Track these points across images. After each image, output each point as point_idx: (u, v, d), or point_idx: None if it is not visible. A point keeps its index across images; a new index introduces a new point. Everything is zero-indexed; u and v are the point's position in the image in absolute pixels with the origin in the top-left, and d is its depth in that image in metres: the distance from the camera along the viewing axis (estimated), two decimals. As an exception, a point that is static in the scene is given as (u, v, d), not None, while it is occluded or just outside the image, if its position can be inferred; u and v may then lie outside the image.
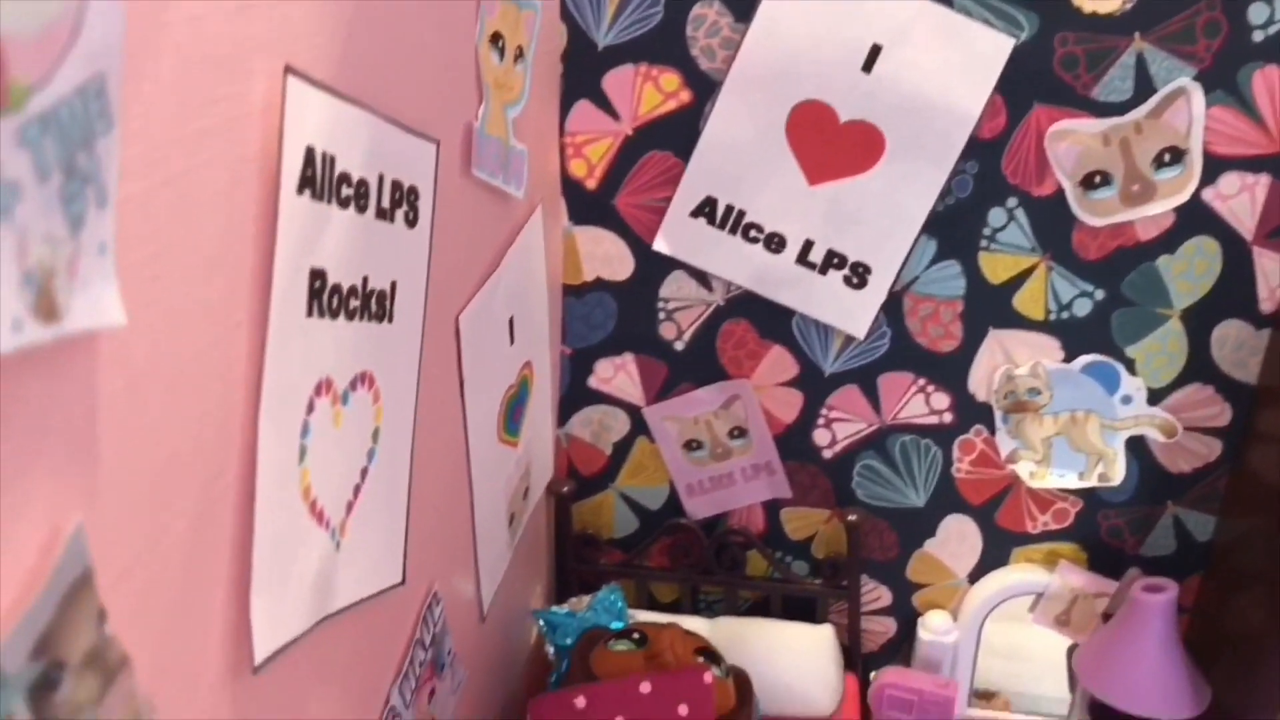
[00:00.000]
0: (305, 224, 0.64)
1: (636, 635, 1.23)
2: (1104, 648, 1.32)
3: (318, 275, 0.67)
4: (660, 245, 1.33)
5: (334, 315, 0.70)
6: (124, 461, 0.50)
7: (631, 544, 1.51)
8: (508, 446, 1.16)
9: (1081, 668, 1.34)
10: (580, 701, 1.10)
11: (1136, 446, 1.36)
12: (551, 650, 1.36)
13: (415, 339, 0.85)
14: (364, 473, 0.78)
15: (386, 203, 0.76)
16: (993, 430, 1.37)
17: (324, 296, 0.68)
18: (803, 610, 1.50)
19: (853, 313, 1.33)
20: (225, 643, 0.61)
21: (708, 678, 1.13)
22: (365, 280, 0.74)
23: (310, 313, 0.66)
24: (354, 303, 0.73)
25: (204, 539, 0.58)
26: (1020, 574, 1.43)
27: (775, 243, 1.30)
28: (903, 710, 1.40)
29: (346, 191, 0.69)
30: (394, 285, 0.79)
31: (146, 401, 0.51)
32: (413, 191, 0.80)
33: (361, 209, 0.72)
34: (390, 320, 0.79)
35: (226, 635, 0.61)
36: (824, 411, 1.40)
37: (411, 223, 0.81)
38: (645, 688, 1.12)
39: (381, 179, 0.74)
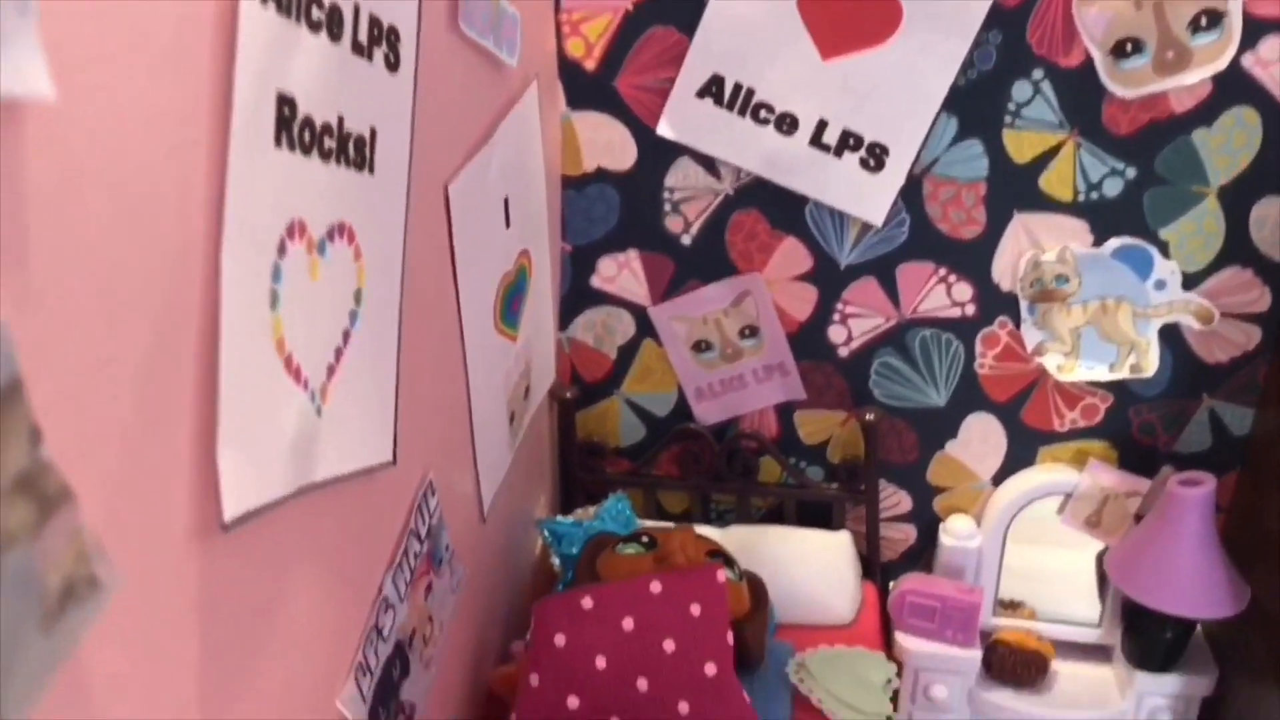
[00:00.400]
0: (270, 40, 0.59)
1: (645, 539, 1.18)
2: (1138, 547, 1.27)
3: (286, 101, 0.61)
4: (664, 129, 1.27)
5: (306, 151, 0.64)
6: (61, 265, 0.45)
7: (639, 452, 1.47)
8: (506, 339, 1.11)
9: (1114, 570, 1.30)
10: (587, 602, 1.06)
11: (1170, 336, 1.30)
12: (557, 561, 1.32)
13: (399, 198, 0.79)
14: (346, 336, 0.73)
15: (364, 37, 0.70)
16: (1018, 322, 1.32)
17: (294, 128, 0.62)
18: (819, 517, 1.45)
19: (870, 198, 1.27)
20: (192, 494, 0.56)
21: (721, 576, 1.09)
22: (341, 120, 0.68)
23: (279, 143, 0.61)
24: (329, 142, 0.67)
25: (163, 376, 0.53)
26: (1047, 474, 1.38)
27: (787, 124, 1.24)
28: (925, 618, 1.36)
29: (317, 14, 0.63)
30: (374, 132, 0.73)
31: (86, 202, 0.46)
32: (393, 32, 0.75)
33: (335, 37, 0.66)
34: (371, 171, 0.74)
35: (193, 486, 0.56)
36: (839, 307, 1.35)
37: (392, 66, 0.75)
38: (655, 587, 1.07)
39: (357, 10, 0.68)
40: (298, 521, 0.70)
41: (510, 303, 1.10)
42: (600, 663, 1.04)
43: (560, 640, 1.06)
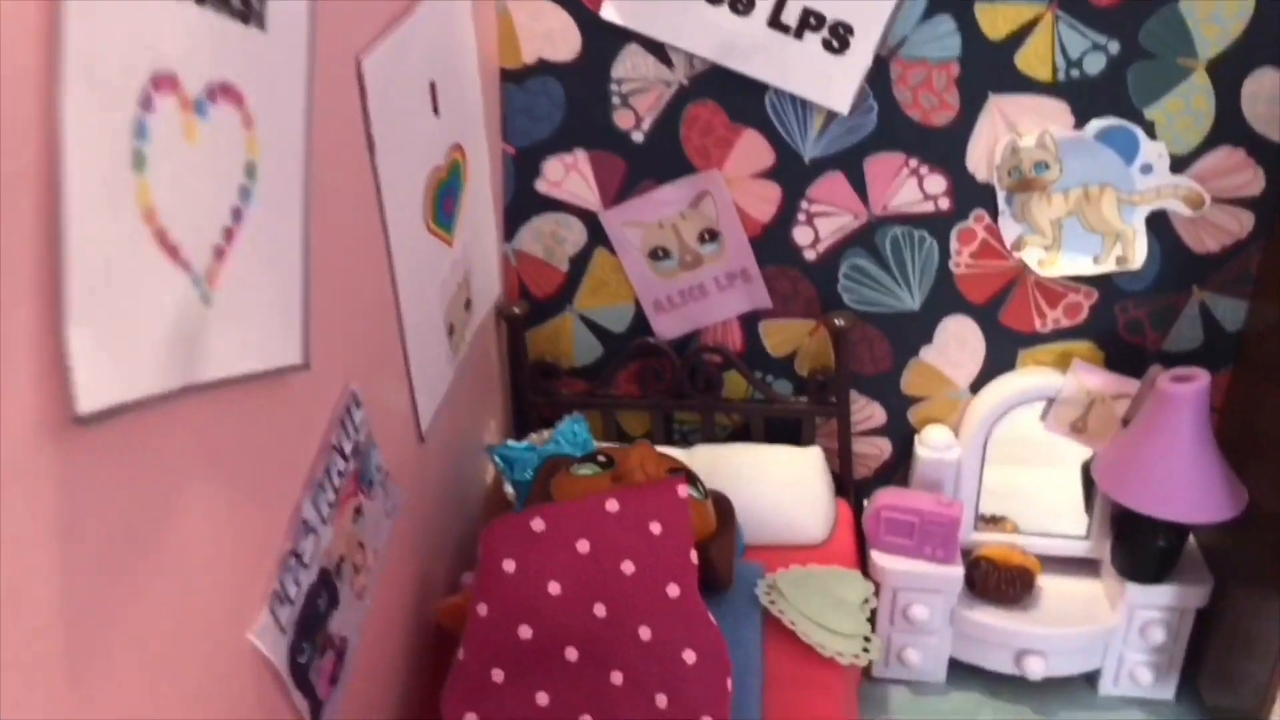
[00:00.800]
0: None
1: (602, 458, 1.11)
2: (1127, 451, 1.21)
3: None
4: (609, 13, 1.17)
5: (171, -12, 0.55)
6: None
7: (595, 372, 1.39)
8: (439, 240, 1.02)
9: (1102, 476, 1.24)
10: (538, 524, 0.99)
11: (1158, 225, 1.23)
12: (510, 488, 1.25)
13: (298, 64, 0.70)
14: (238, 215, 0.64)
15: None
16: (995, 215, 1.24)
17: (151, -45, 0.54)
18: (788, 434, 1.39)
19: (834, 83, 1.19)
20: (34, 377, 0.47)
21: (682, 492, 1.02)
22: (216, -43, 0.59)
23: (131, -30, 0.52)
24: (201, -19, 0.58)
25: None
26: (1029, 378, 1.31)
27: (743, 2, 1.15)
28: (903, 534, 1.29)
29: None
30: (260, -21, 0.64)
31: None
32: None
33: None
34: (260, 26, 0.65)
35: (36, 368, 0.48)
36: (805, 205, 1.27)
37: (281, -95, 0.66)
38: (611, 506, 1.00)
39: None
40: (188, 426, 0.61)
41: (442, 201, 1.02)
42: (554, 588, 0.97)
43: (509, 566, 0.98)
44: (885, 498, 1.30)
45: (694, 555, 1.00)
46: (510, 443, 1.27)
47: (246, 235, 0.65)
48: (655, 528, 1.00)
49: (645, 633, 0.96)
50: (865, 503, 1.36)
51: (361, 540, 0.88)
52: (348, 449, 0.84)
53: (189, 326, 0.59)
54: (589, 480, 1.08)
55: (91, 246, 0.50)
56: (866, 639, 1.11)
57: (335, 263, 0.80)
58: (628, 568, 0.98)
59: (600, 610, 0.97)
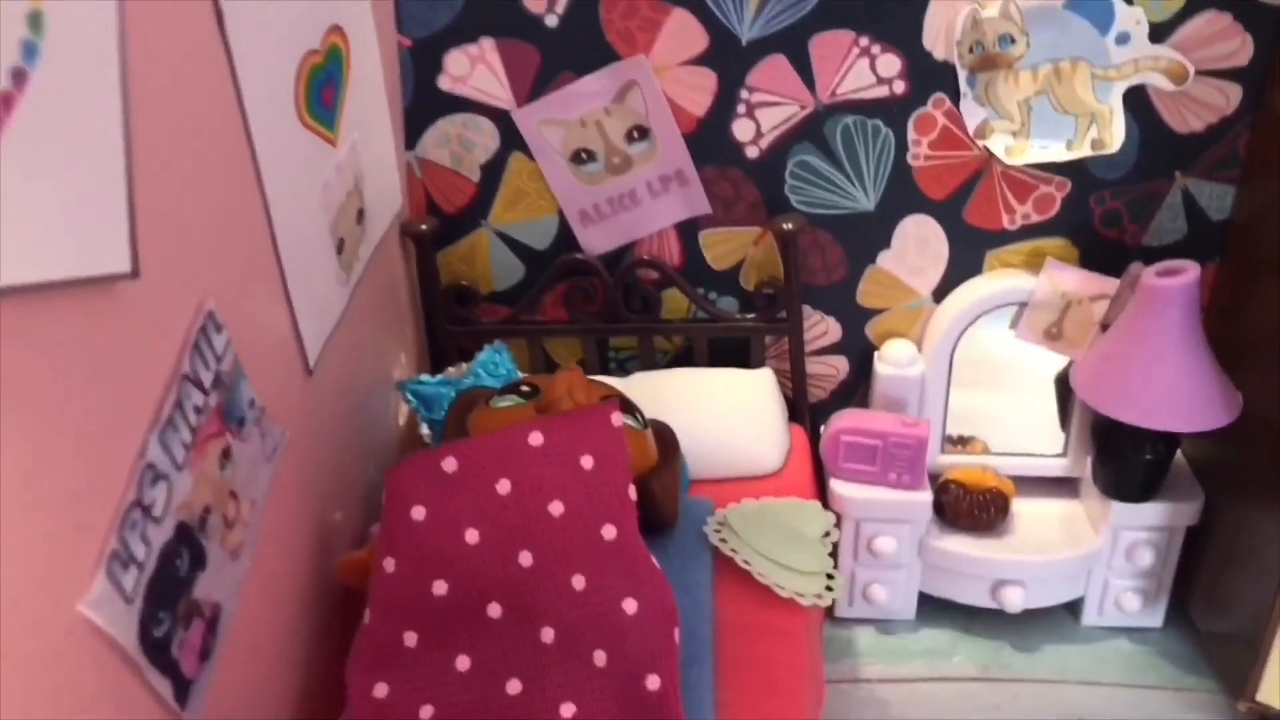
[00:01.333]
0: None
1: (526, 387, 0.99)
2: (1109, 356, 1.12)
3: None
4: (509, -126, 1.05)
5: None
6: None
7: (517, 295, 1.27)
8: (319, 137, 0.90)
9: (1082, 385, 1.14)
10: (450, 464, 0.87)
11: (1136, 103, 1.13)
12: (426, 429, 1.14)
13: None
14: (19, 77, 0.51)
15: None
16: (957, 98, 1.13)
17: None
18: (735, 356, 1.28)
19: (770, -49, 1.07)
20: None
21: (616, 420, 0.91)
22: None
23: None
24: None
25: None
26: (997, 282, 1.21)
27: None
28: (864, 460, 1.19)
29: None
30: None
31: None
32: None
33: None
34: None
35: None
36: (744, 95, 1.15)
37: None
38: (535, 439, 0.88)
39: None
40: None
41: (319, 91, 0.89)
42: (471, 536, 0.86)
43: (419, 513, 0.87)
44: (844, 420, 1.20)
45: (632, 492, 0.89)
46: (424, 378, 1.16)
47: (33, 104, 0.53)
48: (587, 462, 0.89)
49: (579, 582, 0.84)
50: (822, 428, 1.26)
51: (233, 489, 0.75)
52: (206, 380, 0.71)
53: (-50, 214, 0.47)
54: (509, 412, 0.96)
55: None
56: (829, 576, 1.01)
57: (175, 153, 0.67)
58: (556, 509, 0.87)
59: (526, 559, 0.85)
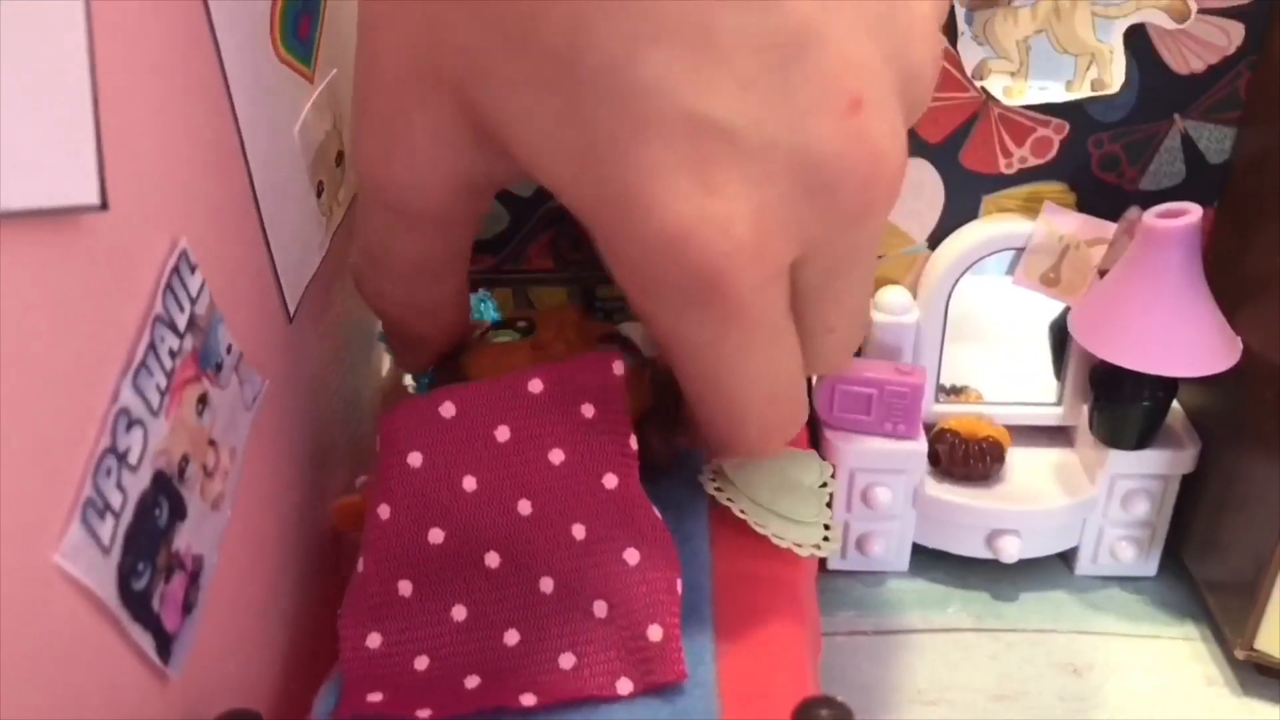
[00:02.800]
0: None
1: (522, 323, 0.96)
2: (1108, 300, 1.10)
3: None
4: None
5: None
6: None
7: (501, 244, 1.23)
8: (293, 71, 0.86)
9: (1081, 330, 1.12)
10: (448, 409, 0.83)
11: (1136, 44, 1.10)
12: (410, 380, 1.10)
13: None
14: (-26, -13, 0.48)
15: None
16: (954, 38, 1.10)
17: None
18: (726, 305, 1.25)
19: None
20: None
21: (618, 368, 0.87)
22: None
23: None
24: None
25: None
26: (993, 227, 1.18)
27: None
28: (859, 409, 1.17)
29: None
30: None
31: None
32: None
33: None
34: None
35: None
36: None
37: None
38: (535, 386, 0.85)
39: None
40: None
41: (295, 22, 0.85)
42: (469, 484, 0.83)
43: (415, 459, 0.83)
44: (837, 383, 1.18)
45: (634, 442, 0.86)
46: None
47: (-9, 18, 0.49)
48: (588, 410, 0.85)
49: (579, 531, 0.82)
50: (814, 377, 1.24)
51: (212, 437, 0.72)
52: (181, 322, 0.68)
53: (-101, 132, 0.43)
54: (506, 350, 0.93)
55: None
56: (827, 526, 0.99)
57: (145, 77, 0.63)
58: (556, 457, 0.83)
59: (525, 507, 0.82)
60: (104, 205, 0.57)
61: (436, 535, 0.81)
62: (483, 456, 0.83)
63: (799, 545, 0.94)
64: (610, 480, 0.83)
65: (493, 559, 0.81)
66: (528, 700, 0.72)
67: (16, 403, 0.51)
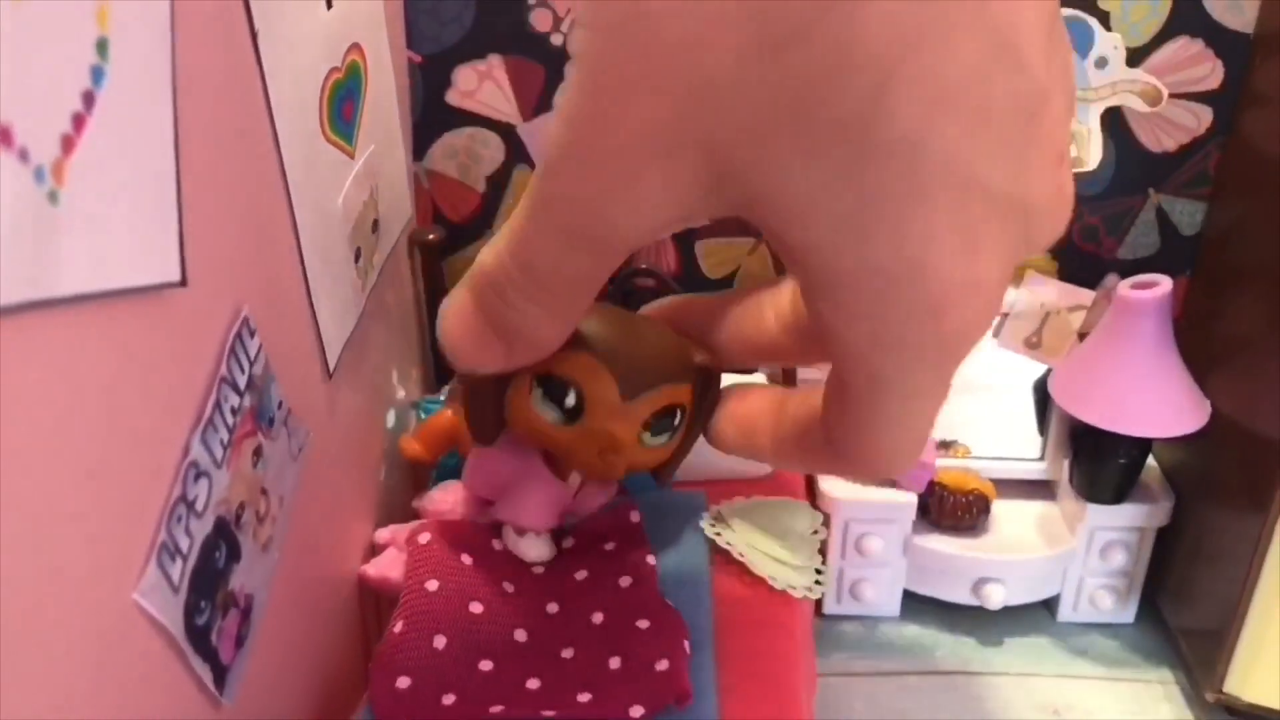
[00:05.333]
0: None
1: (572, 400, 0.96)
2: (1086, 365, 1.17)
3: None
4: (520, -100, 1.09)
5: None
6: None
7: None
8: (339, 150, 0.93)
9: (1060, 392, 1.19)
10: (497, 544, 0.94)
11: (1113, 124, 1.18)
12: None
13: (158, -75, 0.61)
14: (88, 100, 0.55)
15: None
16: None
17: None
18: (729, 362, 1.32)
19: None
20: None
21: (634, 517, 0.97)
22: None
23: None
24: None
25: None
26: (981, 293, 1.26)
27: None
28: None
29: None
30: None
31: None
32: None
33: None
34: (105, -128, 0.55)
35: None
36: (739, 113, 1.19)
37: None
38: (568, 543, 0.93)
39: None
40: (45, 350, 0.52)
41: (340, 107, 0.92)
42: (508, 587, 0.92)
43: (466, 559, 0.92)
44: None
45: (651, 559, 0.95)
46: (443, 397, 1.19)
47: (101, 124, 0.56)
48: (609, 545, 0.95)
49: (598, 617, 0.90)
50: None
51: (264, 486, 0.79)
52: (241, 382, 0.75)
53: (35, 226, 0.50)
54: (548, 430, 0.95)
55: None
56: (819, 571, 1.05)
57: (216, 167, 0.70)
58: (580, 575, 0.93)
59: (553, 608, 0.91)
60: (184, 282, 0.64)
61: (476, 607, 0.89)
62: (522, 571, 0.93)
63: (793, 587, 1.00)
64: (625, 580, 0.92)
65: (521, 635, 0.89)
66: (548, 715, 0.79)
67: (108, 458, 0.58)
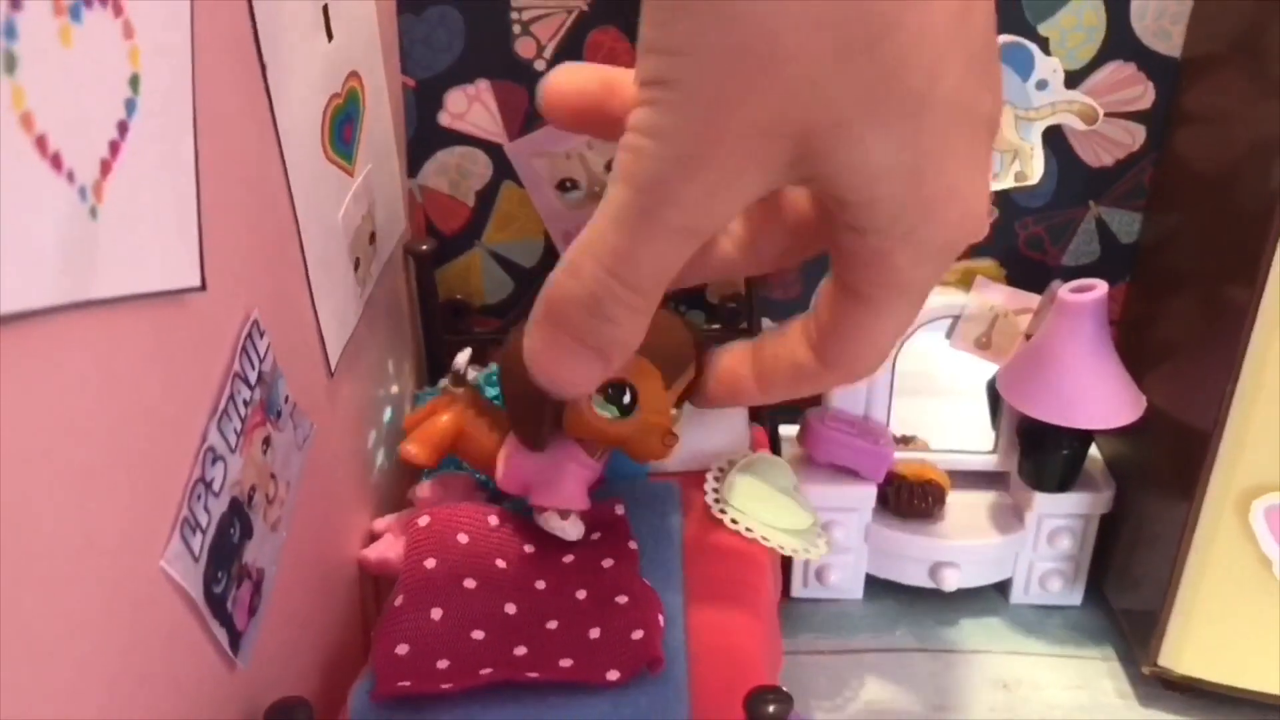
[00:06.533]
0: None
1: (628, 397, 0.94)
2: (1030, 363, 1.24)
3: None
4: (504, -63, 1.16)
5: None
6: None
7: (506, 308, 1.38)
8: (339, 169, 1.00)
9: (1006, 389, 1.26)
10: (493, 519, 1.01)
11: (1054, 141, 1.26)
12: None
13: (181, -27, 0.68)
14: (122, 128, 0.62)
15: None
16: (898, 136, 1.25)
17: None
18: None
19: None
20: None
21: (619, 509, 1.05)
22: None
23: None
24: (69, -122, 0.56)
25: None
26: (936, 298, 1.32)
27: (638, -75, 1.14)
28: (840, 457, 1.30)
29: None
30: (134, -119, 0.62)
31: None
32: None
33: None
34: (136, -69, 0.63)
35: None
36: (709, 132, 1.26)
37: None
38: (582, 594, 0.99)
39: None
40: (85, 344, 0.60)
41: (340, 129, 0.99)
42: (500, 563, 0.99)
43: (463, 538, 0.99)
44: (824, 415, 1.32)
45: (633, 544, 1.02)
46: (432, 388, 1.26)
47: (132, 150, 0.63)
48: (595, 535, 1.03)
49: (581, 594, 0.97)
50: (782, 427, 1.37)
51: (273, 471, 0.86)
52: (252, 377, 0.82)
53: (79, 239, 0.57)
54: (605, 425, 0.95)
55: (-35, 148, 0.48)
56: (818, 527, 1.12)
57: (230, 185, 0.78)
58: (567, 558, 1.01)
59: (541, 585, 0.98)
60: (203, 287, 0.71)
61: (470, 583, 0.96)
62: (514, 550, 1.00)
63: (796, 552, 1.08)
64: (608, 562, 0.99)
65: (510, 608, 0.96)
66: (532, 676, 0.86)
67: (138, 442, 0.65)
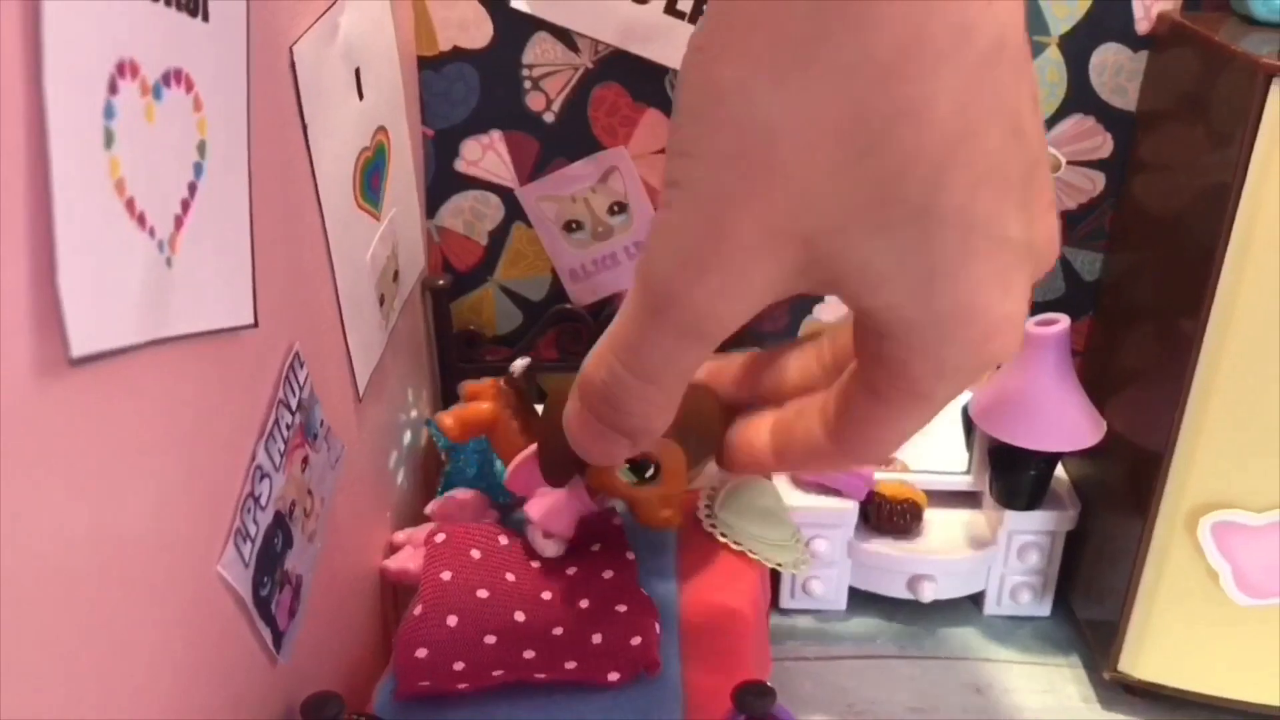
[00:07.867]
0: None
1: (653, 470, 1.05)
2: (1000, 391, 1.32)
3: (101, -73, 0.58)
4: (519, 2, 1.24)
5: (129, -16, 0.61)
6: None
7: (516, 338, 1.46)
8: (369, 215, 1.09)
9: (978, 414, 1.34)
10: (503, 539, 1.09)
11: (1021, 187, 1.34)
12: (443, 454, 1.32)
13: (239, 52, 0.76)
14: (192, 188, 0.70)
15: (184, -127, 0.67)
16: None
17: (113, -43, 0.60)
18: (698, 390, 1.47)
19: (726, 64, 1.27)
20: (32, 326, 0.54)
21: (616, 519, 1.12)
22: (166, -42, 0.65)
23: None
24: (154, -21, 0.64)
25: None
26: (913, 330, 1.41)
27: (639, -9, 1.23)
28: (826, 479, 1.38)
29: None
30: (204, -24, 0.70)
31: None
32: (217, -127, 0.72)
33: None
34: (204, 18, 0.71)
35: (33, 319, 0.54)
36: (704, 177, 1.35)
37: (219, -91, 0.72)
38: (571, 569, 1.09)
39: None
40: (159, 376, 0.68)
41: (370, 179, 1.08)
42: (509, 576, 1.07)
43: (476, 554, 1.08)
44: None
45: (630, 555, 1.10)
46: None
47: (200, 206, 0.71)
48: (595, 546, 1.12)
49: (584, 603, 1.05)
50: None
51: (310, 488, 0.94)
52: (293, 403, 0.90)
53: (156, 286, 0.66)
54: (625, 487, 1.07)
55: (74, 210, 0.56)
56: (798, 541, 1.19)
57: (276, 233, 0.86)
58: (570, 570, 1.09)
59: (547, 595, 1.06)
60: (255, 324, 0.79)
61: (483, 593, 1.04)
62: (522, 565, 1.08)
63: (781, 565, 1.16)
64: (608, 573, 1.07)
65: (520, 615, 1.04)
66: (540, 677, 0.94)
67: (200, 460, 0.73)
